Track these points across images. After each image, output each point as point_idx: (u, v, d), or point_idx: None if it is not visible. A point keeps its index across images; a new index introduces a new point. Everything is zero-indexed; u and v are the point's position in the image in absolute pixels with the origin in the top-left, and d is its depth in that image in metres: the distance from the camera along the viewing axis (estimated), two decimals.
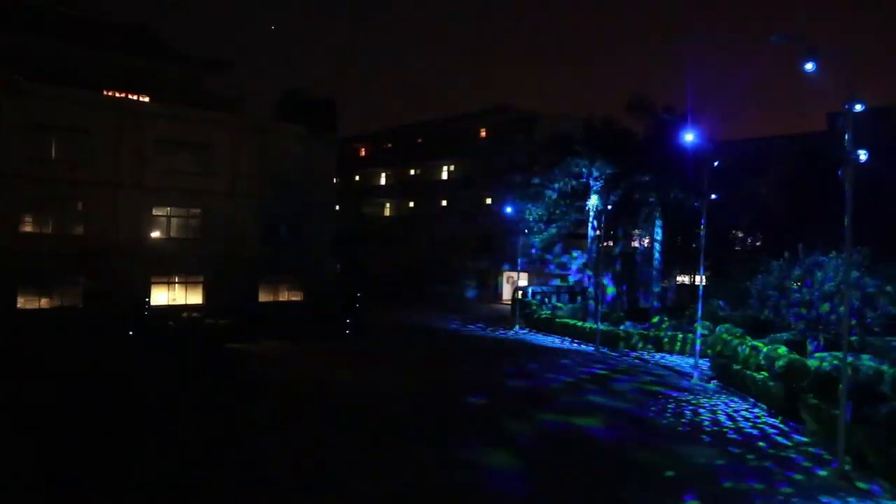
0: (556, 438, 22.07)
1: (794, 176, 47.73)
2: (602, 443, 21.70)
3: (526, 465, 18.98)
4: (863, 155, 20.54)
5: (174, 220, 41.98)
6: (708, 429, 23.30)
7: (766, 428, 23.67)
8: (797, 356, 27.35)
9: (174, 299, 41.42)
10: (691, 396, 28.80)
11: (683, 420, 24.54)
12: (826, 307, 29.44)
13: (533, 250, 55.63)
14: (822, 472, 18.88)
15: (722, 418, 24.99)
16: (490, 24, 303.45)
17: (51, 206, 38.01)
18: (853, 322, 27.51)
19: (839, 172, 20.01)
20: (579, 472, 18.38)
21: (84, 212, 38.77)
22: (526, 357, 38.37)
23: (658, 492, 17.13)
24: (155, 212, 40.93)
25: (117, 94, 42.06)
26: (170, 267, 41.19)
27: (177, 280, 41.76)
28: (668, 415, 25.29)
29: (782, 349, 27.98)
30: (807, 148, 50.60)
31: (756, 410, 26.53)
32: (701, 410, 26.21)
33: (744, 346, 29.89)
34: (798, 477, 18.51)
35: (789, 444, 21.77)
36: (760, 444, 21.57)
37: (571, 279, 60.91)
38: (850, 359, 21.43)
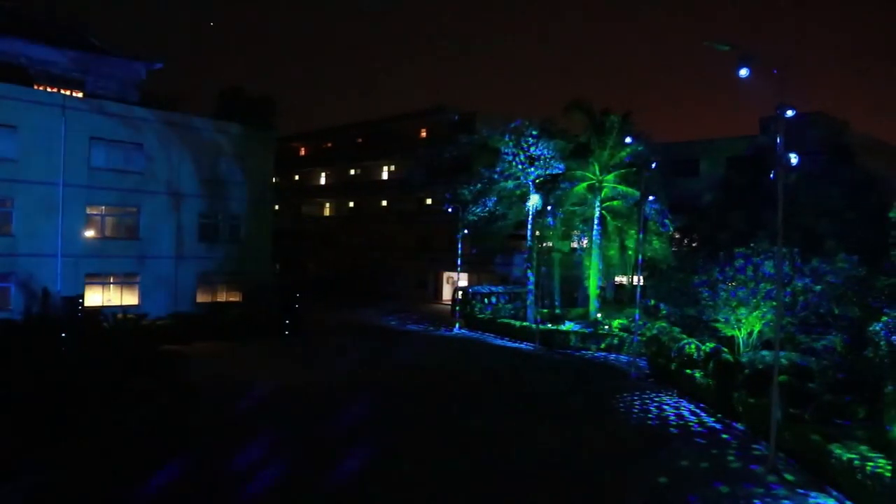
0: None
1: (728, 177, 48.88)
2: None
3: None
4: (793, 158, 21.15)
5: (109, 219, 40.99)
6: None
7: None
8: (732, 355, 28.11)
9: (109, 300, 40.45)
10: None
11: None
12: (759, 312, 30.14)
13: (473, 250, 55.85)
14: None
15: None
16: (431, 25, 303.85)
17: None
18: (786, 319, 28.35)
19: (772, 175, 20.65)
20: None
21: (14, 210, 37.58)
22: (470, 356, 38.67)
23: None
24: (89, 210, 39.88)
25: (50, 90, 40.91)
26: (104, 266, 40.23)
27: (112, 280, 40.81)
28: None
29: (713, 346, 28.73)
30: (741, 150, 51.89)
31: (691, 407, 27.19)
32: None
33: (680, 345, 30.53)
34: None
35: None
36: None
37: (512, 279, 61.35)
38: (782, 356, 22.09)
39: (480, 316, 49.46)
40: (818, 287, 29.61)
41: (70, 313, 36.08)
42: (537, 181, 45.97)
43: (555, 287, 52.77)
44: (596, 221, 45.11)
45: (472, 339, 45.45)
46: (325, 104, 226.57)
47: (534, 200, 45.45)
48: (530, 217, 46.66)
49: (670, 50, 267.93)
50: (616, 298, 56.58)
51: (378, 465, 18.85)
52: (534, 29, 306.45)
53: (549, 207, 45.59)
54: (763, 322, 30.08)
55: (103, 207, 40.41)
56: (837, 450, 17.61)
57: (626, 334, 40.69)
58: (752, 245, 32.10)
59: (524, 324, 45.36)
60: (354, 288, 76.46)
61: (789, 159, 20.41)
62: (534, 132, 45.97)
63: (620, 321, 43.42)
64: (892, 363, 21.61)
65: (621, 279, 56.93)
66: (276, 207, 57.57)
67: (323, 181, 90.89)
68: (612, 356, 39.68)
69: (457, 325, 49.57)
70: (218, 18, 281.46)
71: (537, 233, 46.64)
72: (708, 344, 29.47)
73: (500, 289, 55.77)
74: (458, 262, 53.07)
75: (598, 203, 45.17)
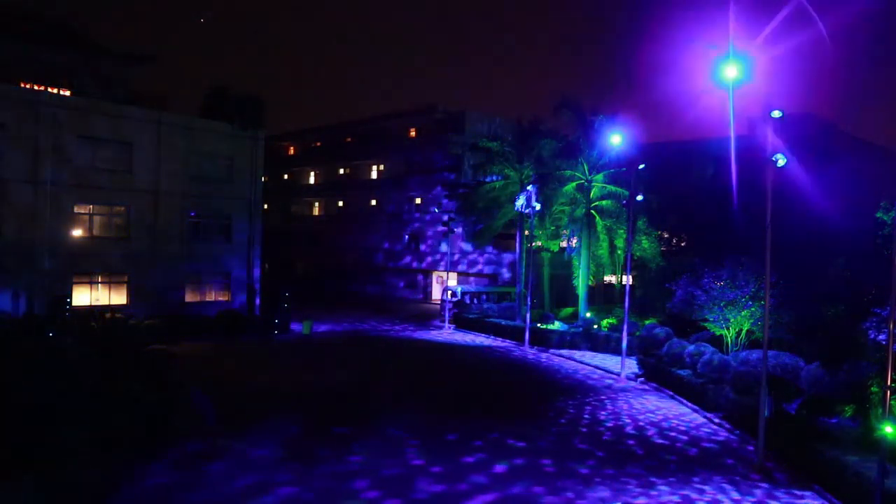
0: None
1: (717, 177, 48.93)
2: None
3: None
4: (782, 159, 21.17)
5: (97, 218, 40.69)
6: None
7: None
8: (721, 354, 28.19)
9: (97, 299, 40.24)
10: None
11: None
12: (747, 313, 30.21)
13: (463, 250, 55.87)
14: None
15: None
16: (419, 24, 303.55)
17: None
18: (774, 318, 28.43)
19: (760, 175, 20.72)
20: None
21: (0, 209, 37.35)
22: (458, 356, 38.65)
23: None
24: (76, 209, 39.62)
25: (36, 88, 40.67)
26: (92, 266, 40.02)
27: (100, 280, 40.56)
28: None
29: (706, 347, 28.81)
30: (730, 150, 51.94)
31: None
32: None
33: (670, 344, 30.62)
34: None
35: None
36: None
37: (501, 279, 61.39)
38: (770, 355, 22.14)
39: (470, 316, 49.47)
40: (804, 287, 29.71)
41: (57, 313, 35.89)
42: (526, 181, 46.00)
43: (544, 287, 52.83)
44: (585, 221, 45.16)
45: (462, 338, 45.40)
46: (314, 103, 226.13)
47: (522, 200, 45.48)
48: (520, 216, 46.68)
49: (661, 49, 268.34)
50: (606, 298, 56.69)
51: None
52: (523, 27, 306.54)
53: (538, 207, 45.66)
54: (751, 321, 30.18)
55: (91, 206, 40.17)
56: (825, 448, 17.70)
57: (615, 334, 40.76)
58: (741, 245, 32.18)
59: (514, 323, 45.38)
60: (344, 288, 76.38)
61: (777, 160, 20.43)
62: (523, 132, 46.05)
63: (610, 321, 43.50)
64: (879, 362, 21.71)
65: (611, 279, 57.04)
66: (265, 207, 57.40)
67: (312, 180, 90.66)
68: (602, 356, 39.72)
69: (446, 325, 49.53)
70: (207, 16, 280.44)
71: (526, 232, 46.66)
72: (696, 343, 29.55)
73: (489, 288, 55.77)
74: (448, 261, 53.07)
75: (587, 202, 45.22)
